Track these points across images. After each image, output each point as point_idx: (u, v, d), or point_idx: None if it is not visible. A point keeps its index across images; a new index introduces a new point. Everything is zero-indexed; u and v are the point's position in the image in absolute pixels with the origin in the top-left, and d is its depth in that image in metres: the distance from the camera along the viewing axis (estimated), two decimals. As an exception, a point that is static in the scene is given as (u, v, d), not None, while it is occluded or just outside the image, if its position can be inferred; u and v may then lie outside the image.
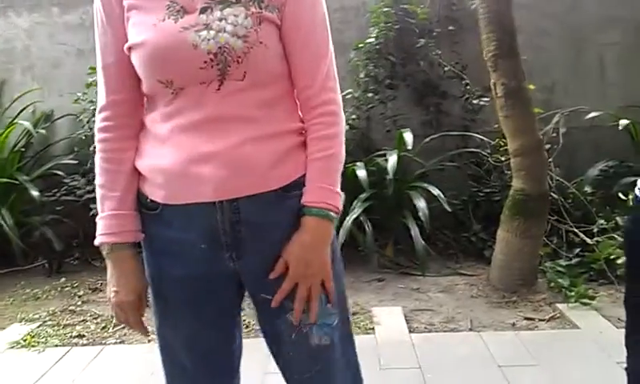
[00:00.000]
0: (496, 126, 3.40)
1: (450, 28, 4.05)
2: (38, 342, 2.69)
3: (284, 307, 1.02)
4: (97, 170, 1.06)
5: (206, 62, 0.94)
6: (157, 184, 1.00)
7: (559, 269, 3.13)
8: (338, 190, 1.02)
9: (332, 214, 1.01)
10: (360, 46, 3.90)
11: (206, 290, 1.05)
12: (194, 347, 1.08)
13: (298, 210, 1.01)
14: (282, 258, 1.00)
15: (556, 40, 4.12)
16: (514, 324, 2.70)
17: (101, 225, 1.03)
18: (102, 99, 1.04)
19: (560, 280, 3.02)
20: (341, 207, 1.03)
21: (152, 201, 1.02)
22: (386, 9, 3.85)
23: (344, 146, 1.05)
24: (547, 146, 3.40)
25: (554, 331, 2.63)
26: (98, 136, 1.05)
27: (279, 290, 1.01)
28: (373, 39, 3.84)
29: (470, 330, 2.66)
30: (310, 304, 1.01)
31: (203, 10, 0.95)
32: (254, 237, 1.00)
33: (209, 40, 0.93)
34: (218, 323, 1.09)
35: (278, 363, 1.10)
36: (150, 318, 1.10)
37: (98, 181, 1.05)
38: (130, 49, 0.98)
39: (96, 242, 1.04)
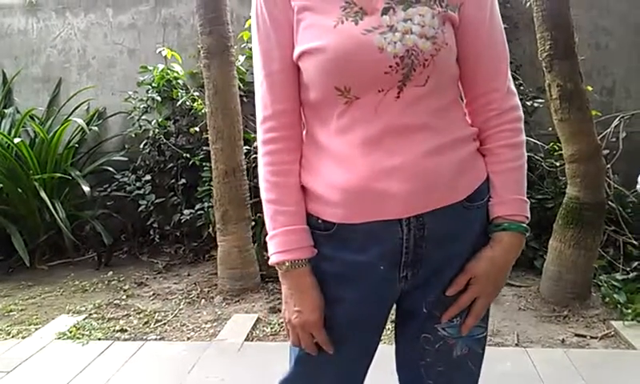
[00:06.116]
0: (550, 128, 3.23)
1: (504, 26, 3.88)
2: (83, 335, 2.77)
3: (435, 319, 0.99)
4: (263, 184, 0.98)
5: (391, 66, 0.88)
6: (332, 203, 0.94)
7: (615, 283, 2.93)
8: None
9: (527, 226, 0.98)
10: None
11: (371, 313, 1.00)
12: (342, 371, 1.03)
13: (482, 220, 0.97)
14: (464, 274, 0.96)
15: (617, 39, 3.88)
16: (563, 340, 2.55)
17: (276, 242, 0.96)
18: (265, 109, 0.97)
19: (616, 295, 2.83)
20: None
21: (324, 221, 0.96)
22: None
23: None
24: (605, 152, 3.21)
25: (607, 350, 2.46)
26: (264, 148, 0.98)
27: (455, 305, 0.97)
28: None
29: (517, 345, 2.53)
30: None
31: (385, 11, 0.89)
32: (435, 252, 0.95)
33: (395, 43, 0.87)
34: (371, 348, 1.05)
35: (402, 371, 1.08)
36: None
37: (265, 196, 0.98)
38: (303, 54, 0.92)
39: (272, 261, 0.97)
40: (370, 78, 0.89)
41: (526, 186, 0.99)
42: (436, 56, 0.89)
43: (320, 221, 0.96)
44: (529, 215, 0.98)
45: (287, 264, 0.95)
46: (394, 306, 1.07)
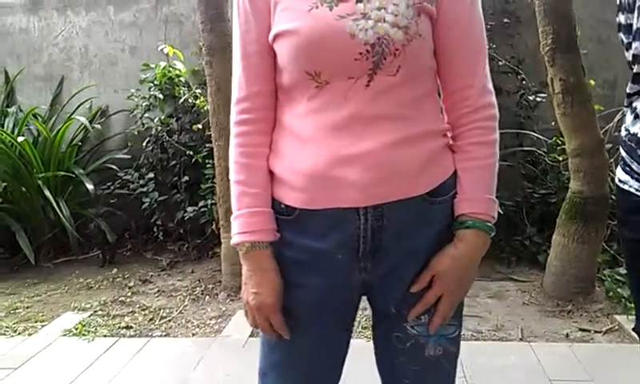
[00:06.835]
0: (553, 123, 3.23)
1: (505, 21, 3.88)
2: (89, 331, 2.79)
3: (404, 318, 0.98)
4: (232, 165, 0.99)
5: (361, 53, 0.87)
6: (295, 187, 0.94)
7: (619, 277, 2.94)
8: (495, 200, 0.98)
9: (492, 225, 0.96)
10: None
11: (332, 302, 0.99)
12: (309, 362, 1.03)
13: (446, 216, 0.96)
14: (428, 271, 0.95)
15: (620, 32, 3.86)
16: (567, 335, 2.56)
17: (239, 223, 0.96)
18: (240, 90, 0.98)
19: (619, 289, 2.84)
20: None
21: (287, 206, 0.96)
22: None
23: None
24: (608, 146, 3.20)
25: (611, 345, 2.47)
26: (236, 129, 0.99)
27: (420, 302, 0.96)
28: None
29: (521, 339, 2.54)
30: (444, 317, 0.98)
31: None
32: (394, 245, 0.94)
33: (367, 30, 0.87)
34: (337, 338, 1.05)
35: (381, 371, 1.07)
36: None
37: (234, 177, 0.98)
38: (277, 36, 0.92)
39: (233, 242, 0.97)
40: (341, 63, 0.89)
41: (495, 186, 0.97)
42: (407, 46, 0.88)
43: (283, 205, 0.96)
44: (495, 215, 0.96)
45: (247, 245, 0.95)
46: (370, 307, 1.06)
